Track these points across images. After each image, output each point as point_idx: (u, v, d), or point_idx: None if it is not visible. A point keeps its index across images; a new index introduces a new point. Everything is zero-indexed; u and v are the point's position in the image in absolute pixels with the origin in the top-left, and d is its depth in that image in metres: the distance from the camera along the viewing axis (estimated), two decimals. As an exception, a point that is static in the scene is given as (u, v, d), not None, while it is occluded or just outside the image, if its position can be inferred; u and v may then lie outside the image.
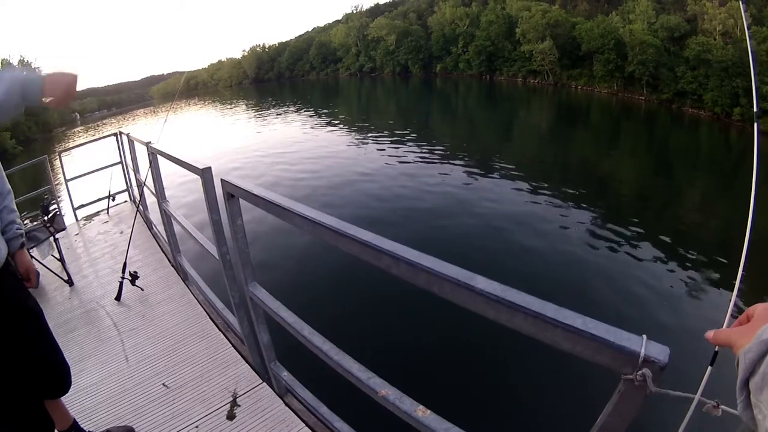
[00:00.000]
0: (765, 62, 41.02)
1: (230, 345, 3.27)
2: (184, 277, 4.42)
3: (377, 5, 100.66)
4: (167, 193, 4.18)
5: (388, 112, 37.22)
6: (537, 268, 8.14)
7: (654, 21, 49.66)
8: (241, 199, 2.01)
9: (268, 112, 37.37)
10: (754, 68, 1.39)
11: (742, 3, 1.41)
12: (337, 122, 27.88)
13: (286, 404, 2.61)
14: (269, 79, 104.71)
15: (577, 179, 15.73)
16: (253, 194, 1.81)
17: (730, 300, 0.94)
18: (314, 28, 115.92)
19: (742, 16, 1.54)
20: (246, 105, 50.27)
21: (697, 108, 42.87)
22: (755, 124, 1.05)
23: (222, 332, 3.44)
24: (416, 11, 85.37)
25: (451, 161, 16.48)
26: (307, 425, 2.44)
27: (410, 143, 19.69)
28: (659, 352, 0.77)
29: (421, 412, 1.45)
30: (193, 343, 3.35)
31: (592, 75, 53.17)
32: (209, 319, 3.65)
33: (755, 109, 1.35)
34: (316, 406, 2.37)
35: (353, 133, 23.17)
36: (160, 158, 3.67)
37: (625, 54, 48.54)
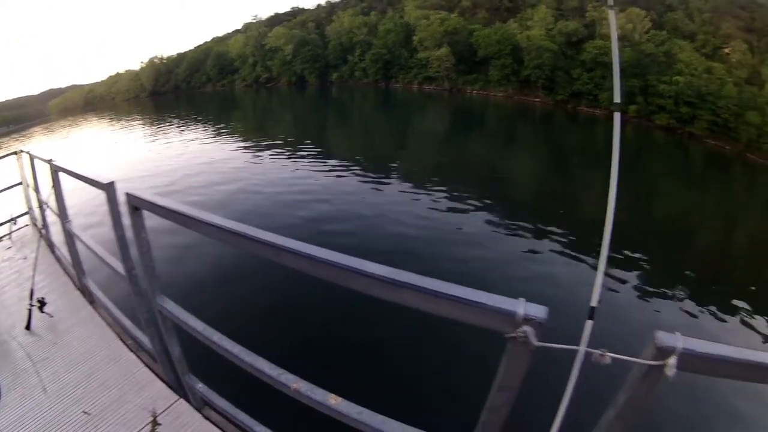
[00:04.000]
0: (663, 63, 45.69)
1: (143, 364, 3.22)
2: (91, 299, 4.28)
3: (277, 14, 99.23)
4: (72, 212, 4.02)
5: (284, 122, 36.90)
6: (435, 256, 8.82)
7: (552, 27, 52.82)
8: (145, 212, 1.99)
9: (167, 126, 35.52)
10: (617, 62, 1.60)
11: (611, 10, 1.60)
12: (234, 135, 27.19)
13: (205, 417, 2.60)
14: (166, 91, 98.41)
15: (474, 178, 16.41)
16: (159, 205, 1.81)
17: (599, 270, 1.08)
18: (213, 38, 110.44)
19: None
20: (143, 119, 47.42)
21: (593, 107, 46.30)
22: (617, 114, 1.24)
23: (134, 352, 3.38)
24: (315, 20, 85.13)
25: (348, 168, 16.69)
26: None
27: (306, 153, 19.71)
28: (537, 310, 0.91)
29: (333, 400, 1.53)
30: (107, 366, 3.27)
31: (488, 79, 55.56)
32: (119, 341, 3.57)
33: (617, 101, 1.56)
34: (235, 414, 2.37)
35: (250, 146, 22.69)
36: (63, 176, 3.54)
37: (521, 59, 51.25)
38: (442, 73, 59.25)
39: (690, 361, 0.91)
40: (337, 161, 17.87)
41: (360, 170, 16.31)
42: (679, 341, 0.90)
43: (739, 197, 24.43)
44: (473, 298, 0.95)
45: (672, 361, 0.89)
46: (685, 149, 37.55)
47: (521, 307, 0.90)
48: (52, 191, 3.90)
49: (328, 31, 77.15)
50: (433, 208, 12.15)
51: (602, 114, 44.46)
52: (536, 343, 0.90)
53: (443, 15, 61.02)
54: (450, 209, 12.16)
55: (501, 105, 48.64)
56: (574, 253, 9.73)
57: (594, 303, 1.00)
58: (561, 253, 9.78)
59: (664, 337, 0.91)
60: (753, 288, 10.67)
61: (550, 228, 11.19)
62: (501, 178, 17.52)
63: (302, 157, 18.55)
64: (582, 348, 1.00)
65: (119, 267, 2.59)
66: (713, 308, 8.86)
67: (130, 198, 1.99)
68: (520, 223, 11.39)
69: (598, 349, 0.94)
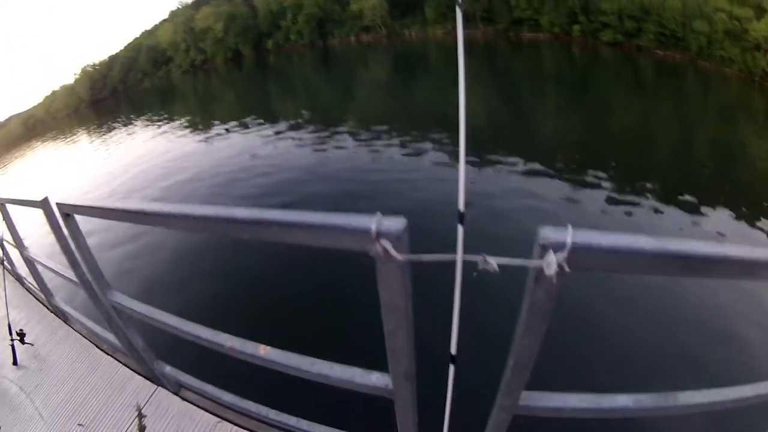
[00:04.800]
0: None
1: (120, 363, 3.37)
2: (65, 318, 4.43)
3: None
4: (31, 239, 4.22)
5: (226, 102, 36.50)
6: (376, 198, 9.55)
7: (487, -46, 51.96)
8: (79, 216, 2.02)
9: (111, 132, 34.22)
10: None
11: None
12: (178, 126, 26.57)
13: (183, 398, 2.77)
14: (104, 97, 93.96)
15: (423, 121, 16.59)
16: (89, 207, 1.82)
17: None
18: (142, 32, 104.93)
19: None
20: (87, 131, 45.51)
21: (535, 32, 46.22)
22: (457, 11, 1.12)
23: (110, 355, 3.54)
24: None
25: (298, 133, 16.79)
26: (205, 410, 2.64)
27: (254, 127, 19.54)
28: (393, 223, 0.83)
29: (263, 350, 1.61)
30: (90, 375, 3.42)
31: (425, 20, 55.11)
32: (96, 348, 3.73)
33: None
34: (204, 389, 2.53)
35: (196, 133, 22.36)
36: (10, 207, 3.78)
37: None
38: (378, 21, 58.73)
39: (585, 256, 0.79)
40: (284, 128, 17.92)
41: (309, 132, 16.56)
42: (567, 234, 0.78)
43: (692, 103, 25.03)
44: (327, 222, 0.92)
45: (552, 257, 0.78)
46: (634, 62, 38.06)
47: (374, 222, 0.84)
48: (3, 224, 4.07)
49: (255, 1, 74.91)
50: (379, 158, 12.58)
51: (545, 38, 44.74)
52: (401, 257, 0.84)
53: (369, -39, 59.91)
54: (401, 155, 12.57)
55: (442, 43, 48.65)
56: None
57: (461, 208, 0.92)
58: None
59: (548, 232, 0.80)
60: (709, 185, 11.18)
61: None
62: (447, 115, 17.58)
63: (249, 131, 18.52)
64: (459, 256, 0.90)
65: (72, 275, 2.65)
66: (631, 202, 9.50)
67: (61, 206, 2.04)
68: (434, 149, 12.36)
69: (478, 255, 0.84)
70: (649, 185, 10.48)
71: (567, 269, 0.78)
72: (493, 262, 0.83)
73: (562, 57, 36.66)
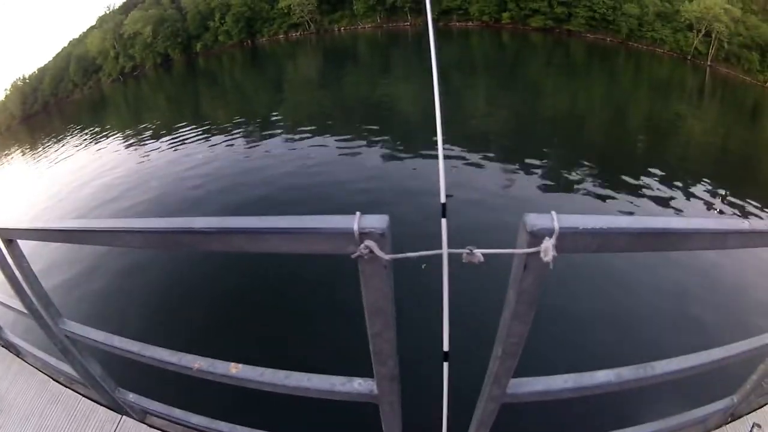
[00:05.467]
0: None
1: (80, 395, 3.19)
2: (17, 352, 4.15)
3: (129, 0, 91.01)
4: None
5: (158, 110, 35.15)
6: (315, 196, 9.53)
7: (411, -54, 52.35)
8: (22, 241, 1.89)
9: (45, 151, 32.32)
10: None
11: None
12: (110, 138, 25.40)
13: (150, 426, 2.64)
14: (36, 112, 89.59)
15: (354, 113, 16.81)
16: (32, 230, 1.73)
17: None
18: (70, 41, 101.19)
19: None
20: (21, 151, 43.03)
21: (465, 21, 47.10)
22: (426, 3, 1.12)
23: (68, 387, 3.34)
24: None
25: (230, 135, 16.52)
26: None
27: (187, 134, 18.96)
28: (376, 221, 0.79)
29: (234, 369, 1.52)
30: (52, 410, 3.24)
31: (354, 14, 55.20)
32: (53, 381, 3.52)
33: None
34: (170, 413, 2.42)
35: (130, 143, 21.47)
36: None
37: None
38: (306, 18, 58.37)
39: (571, 239, 0.82)
40: (216, 133, 17.46)
41: (241, 135, 16.24)
42: (553, 220, 0.80)
43: (625, 81, 26.14)
44: (304, 225, 0.85)
45: (547, 243, 0.79)
46: (565, 46, 39.45)
47: (355, 221, 0.79)
48: None
49: (184, 2, 72.71)
50: (314, 154, 12.49)
51: (475, 26, 45.79)
52: (386, 256, 0.80)
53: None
54: (334, 149, 12.57)
55: (371, 37, 49.64)
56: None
57: (442, 199, 0.91)
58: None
59: (535, 220, 0.81)
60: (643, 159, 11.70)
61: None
62: (379, 107, 17.68)
63: (183, 139, 17.85)
64: (445, 250, 0.89)
65: (20, 306, 2.47)
66: (594, 185, 9.77)
67: (1, 231, 1.86)
68: (398, 142, 12.26)
69: (464, 248, 0.83)
70: (586, 164, 10.91)
71: (555, 254, 0.79)
72: (479, 253, 0.82)
73: (492, 44, 37.52)
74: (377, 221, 0.79)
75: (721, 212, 9.45)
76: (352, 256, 0.82)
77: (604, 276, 6.27)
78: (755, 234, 1.10)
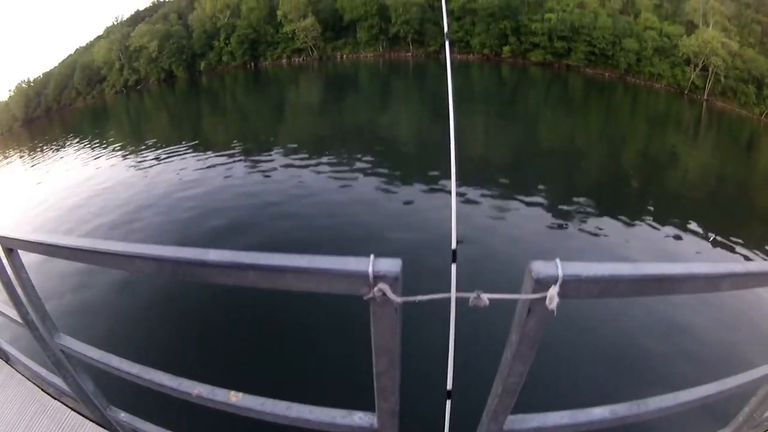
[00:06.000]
0: (534, 2, 47.56)
1: (69, 408, 3.13)
2: (6, 358, 4.05)
3: (138, 12, 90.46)
4: None
5: (160, 125, 35.18)
6: (314, 228, 9.34)
7: (418, -20, 53.34)
8: (23, 252, 1.86)
9: (44, 156, 32.29)
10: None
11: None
12: (111, 152, 25.10)
13: None
14: (38, 116, 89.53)
15: (353, 141, 16.83)
16: (34, 242, 1.68)
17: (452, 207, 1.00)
18: (77, 49, 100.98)
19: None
20: (20, 155, 42.95)
21: (466, 53, 47.78)
22: (446, 43, 1.17)
23: (57, 399, 3.27)
24: (177, 11, 79.55)
25: (229, 157, 16.49)
26: None
27: (186, 153, 18.99)
28: (389, 265, 0.81)
29: (234, 397, 1.51)
30: (39, 422, 3.17)
31: (357, 42, 55.90)
32: (42, 391, 3.43)
33: (446, 30, 1.53)
34: None
35: (130, 158, 21.25)
36: None
37: (388, 17, 51.45)
38: (310, 43, 59.00)
39: (574, 286, 0.85)
40: (214, 154, 17.42)
41: (239, 158, 16.22)
42: (557, 268, 0.83)
43: (622, 116, 26.45)
44: (319, 266, 0.87)
45: (553, 291, 0.82)
46: (563, 80, 39.97)
47: (370, 264, 0.81)
48: None
49: (191, 20, 73.42)
50: (310, 182, 12.47)
51: (475, 59, 46.30)
52: (398, 299, 0.82)
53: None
54: (330, 178, 12.51)
55: (372, 65, 50.03)
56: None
57: (453, 245, 0.92)
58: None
59: (540, 267, 0.84)
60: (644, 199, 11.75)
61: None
62: (379, 137, 17.78)
63: (181, 157, 17.86)
64: (453, 294, 0.92)
65: (15, 315, 2.45)
66: (598, 227, 9.65)
67: (3, 240, 1.85)
68: (396, 174, 12.18)
69: (472, 292, 0.86)
70: (582, 200, 10.95)
71: (559, 300, 0.83)
72: (486, 298, 0.86)
73: (491, 76, 38.08)
74: (391, 265, 0.81)
75: (715, 241, 9.54)
76: (365, 298, 0.84)
77: (598, 312, 6.31)
78: (749, 276, 1.13)
